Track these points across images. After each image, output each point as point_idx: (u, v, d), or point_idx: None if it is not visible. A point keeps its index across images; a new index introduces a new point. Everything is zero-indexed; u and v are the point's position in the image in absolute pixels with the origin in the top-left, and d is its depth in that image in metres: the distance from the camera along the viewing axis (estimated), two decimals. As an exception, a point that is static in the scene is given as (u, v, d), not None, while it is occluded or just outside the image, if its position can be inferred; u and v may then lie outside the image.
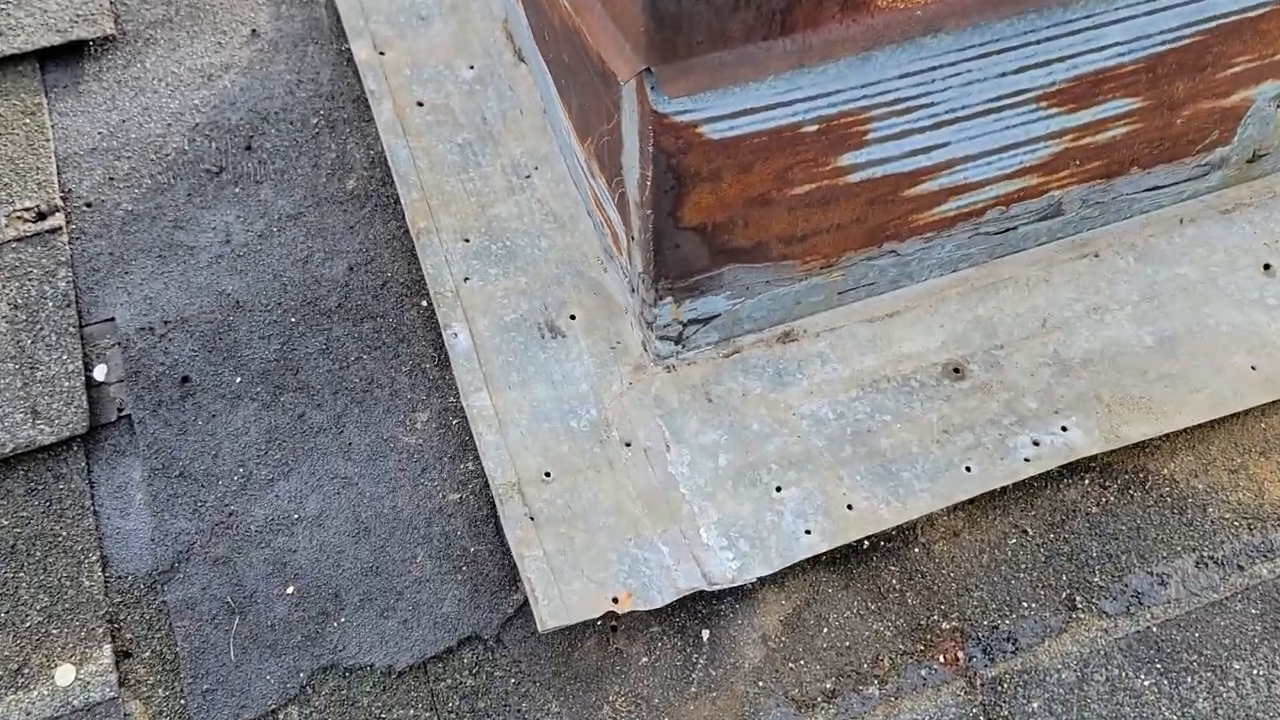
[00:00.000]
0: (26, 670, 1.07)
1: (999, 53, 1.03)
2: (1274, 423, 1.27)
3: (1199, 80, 1.17)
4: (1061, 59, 1.07)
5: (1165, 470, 1.24)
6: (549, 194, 1.37)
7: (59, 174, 1.37)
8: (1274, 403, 1.26)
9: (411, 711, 1.07)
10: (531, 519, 1.11)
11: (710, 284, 1.16)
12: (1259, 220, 1.36)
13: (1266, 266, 1.32)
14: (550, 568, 1.07)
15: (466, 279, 1.28)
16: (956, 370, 1.25)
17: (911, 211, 1.18)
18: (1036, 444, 1.19)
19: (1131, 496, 1.22)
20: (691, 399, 1.21)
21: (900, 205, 1.17)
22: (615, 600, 1.06)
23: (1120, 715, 1.10)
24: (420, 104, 1.42)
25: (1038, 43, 1.04)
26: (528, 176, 1.38)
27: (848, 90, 1.01)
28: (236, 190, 1.38)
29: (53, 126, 1.41)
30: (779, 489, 1.15)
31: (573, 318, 1.27)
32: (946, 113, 1.07)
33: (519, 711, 1.08)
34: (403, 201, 1.33)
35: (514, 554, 1.07)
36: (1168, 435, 1.23)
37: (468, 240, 1.32)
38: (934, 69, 1.02)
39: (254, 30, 1.51)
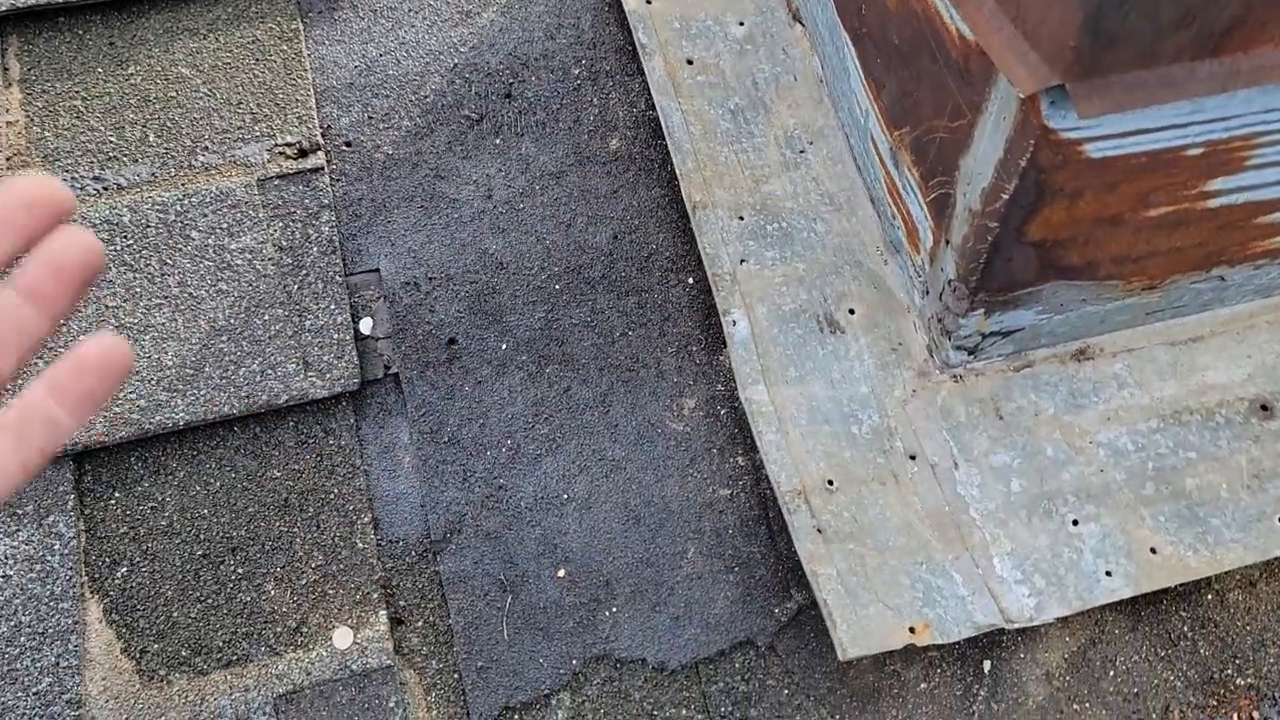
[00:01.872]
0: (305, 630, 1.07)
1: None
2: None
3: None
4: None
5: None
6: (824, 173, 1.29)
7: (318, 108, 1.33)
8: None
9: (684, 711, 1.06)
10: (820, 531, 1.07)
11: (1028, 299, 1.08)
12: None
13: None
14: (845, 589, 1.03)
15: (743, 261, 1.22)
16: (1265, 408, 1.16)
17: (1254, 239, 1.08)
18: (1354, 500, 1.11)
19: None
20: (981, 414, 1.15)
21: (1246, 232, 1.07)
22: (913, 630, 1.02)
23: None
24: (690, 62, 1.34)
25: None
26: (801, 151, 1.30)
27: (1248, 115, 0.91)
28: (497, 141, 1.32)
29: (309, 56, 1.36)
30: (1076, 523, 1.09)
31: (851, 312, 1.21)
32: (1338, 142, 0.97)
33: (792, 724, 1.06)
34: (677, 171, 1.26)
35: (806, 570, 1.04)
36: None
37: (742, 218, 1.25)
38: (1348, 97, 0.91)
39: (512, -35, 1.43)
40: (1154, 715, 1.07)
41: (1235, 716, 1.07)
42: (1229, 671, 1.09)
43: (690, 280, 1.26)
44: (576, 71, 1.37)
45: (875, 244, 1.25)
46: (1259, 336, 1.20)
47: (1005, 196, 0.95)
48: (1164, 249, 1.06)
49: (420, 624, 1.09)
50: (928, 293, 1.16)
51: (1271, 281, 1.18)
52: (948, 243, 1.08)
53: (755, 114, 1.32)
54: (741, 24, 1.38)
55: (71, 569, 1.07)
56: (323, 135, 1.32)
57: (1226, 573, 1.12)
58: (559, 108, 1.35)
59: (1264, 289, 1.19)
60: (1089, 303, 1.12)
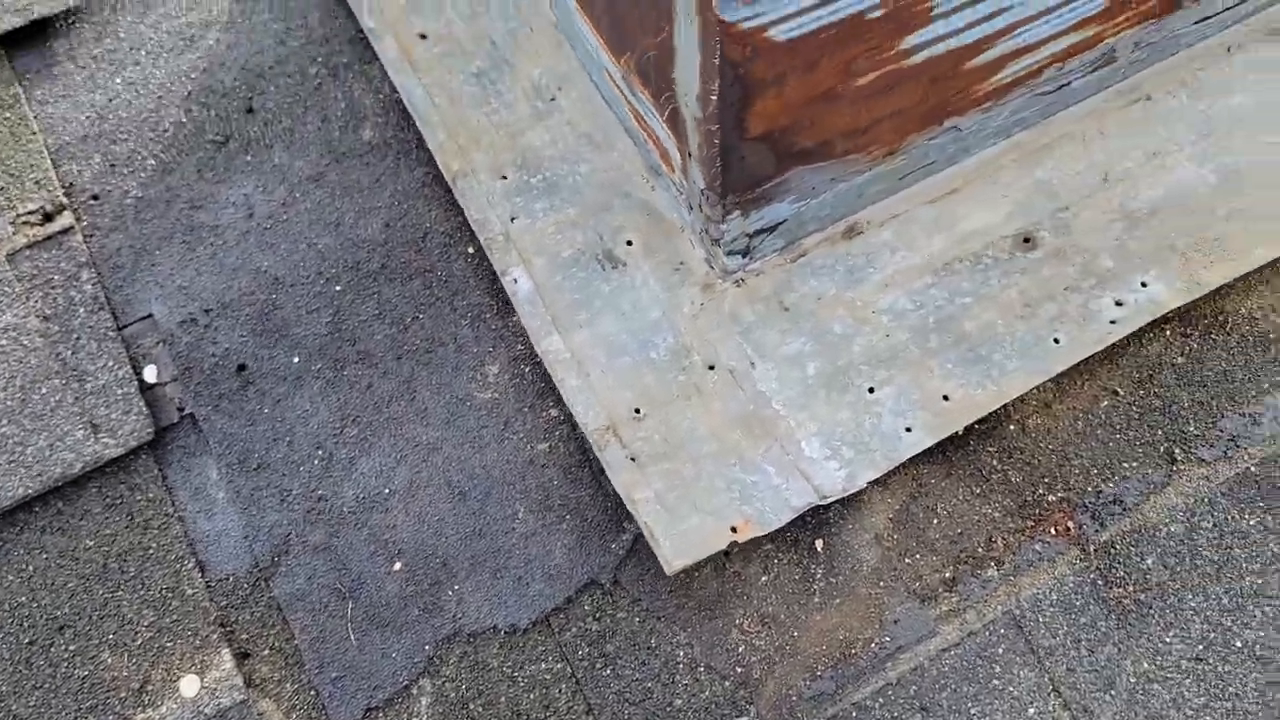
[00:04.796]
0: (150, 687, 1.06)
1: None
2: (1346, 246, 1.25)
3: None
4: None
5: (1243, 309, 1.23)
6: (578, 114, 1.30)
7: (55, 168, 1.29)
8: (1347, 226, 1.24)
9: (543, 665, 1.07)
10: (633, 460, 1.08)
11: (776, 191, 1.11)
12: (1310, 37, 1.31)
13: (1324, 86, 1.28)
14: (663, 507, 1.05)
15: (514, 219, 1.23)
16: (1027, 240, 1.22)
17: (972, 84, 1.13)
18: (1120, 304, 1.17)
19: (1214, 340, 1.22)
20: (767, 310, 1.18)
21: (961, 79, 1.11)
22: (734, 529, 1.04)
23: (1231, 558, 1.12)
24: (423, 36, 1.33)
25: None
26: (552, 99, 1.31)
27: (911, -34, 0.94)
28: (248, 158, 1.30)
29: (35, 117, 1.31)
30: (872, 390, 1.13)
31: (629, 243, 1.22)
32: (1009, -26, 1.01)
33: (649, 648, 1.08)
34: (430, 144, 1.26)
35: (624, 499, 1.06)
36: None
37: (505, 177, 1.25)
38: (998, -71, 0.95)
39: (226, -21, 1.40)
40: (979, 549, 1.12)
41: (1052, 530, 1.13)
42: (1040, 491, 1.14)
43: (470, 250, 1.26)
44: (314, 70, 1.35)
45: (639, 172, 1.26)
46: (1008, 176, 1.25)
47: (714, 98, 0.97)
48: (888, 113, 1.10)
49: (267, 651, 1.08)
50: (691, 207, 1.18)
51: (1006, 122, 1.23)
52: (690, 155, 1.10)
53: (499, 73, 1.32)
54: (467, -12, 1.37)
55: (-109, 691, 1.03)
56: (66, 194, 1.27)
57: (1024, 401, 1.18)
58: (304, 110, 1.33)
59: (1002, 130, 1.24)
60: (839, 180, 1.15)
